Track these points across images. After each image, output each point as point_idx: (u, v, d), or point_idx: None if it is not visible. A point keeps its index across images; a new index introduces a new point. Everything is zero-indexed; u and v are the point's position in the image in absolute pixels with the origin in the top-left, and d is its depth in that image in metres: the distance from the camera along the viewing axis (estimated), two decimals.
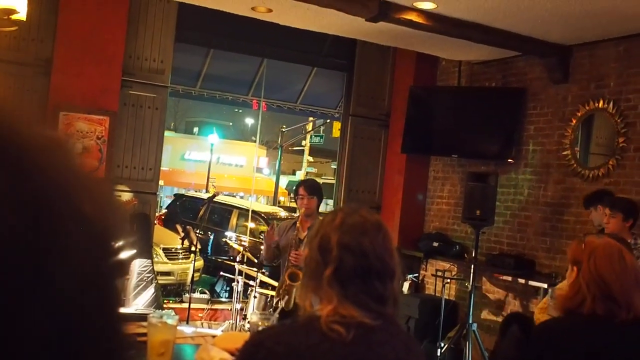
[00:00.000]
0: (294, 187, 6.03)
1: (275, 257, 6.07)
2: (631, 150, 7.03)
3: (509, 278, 7.94)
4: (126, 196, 8.07)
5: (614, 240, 2.84)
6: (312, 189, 5.80)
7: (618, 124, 7.14)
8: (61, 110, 7.76)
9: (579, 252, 2.75)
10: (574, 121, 7.66)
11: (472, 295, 7.48)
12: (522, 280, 7.68)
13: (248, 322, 7.01)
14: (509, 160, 8.34)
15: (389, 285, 1.85)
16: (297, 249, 5.70)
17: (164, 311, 3.02)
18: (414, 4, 6.72)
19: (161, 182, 9.08)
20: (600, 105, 7.37)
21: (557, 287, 4.69)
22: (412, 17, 6.88)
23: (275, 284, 7.36)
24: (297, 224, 5.85)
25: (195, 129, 37.66)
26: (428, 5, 6.71)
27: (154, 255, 9.08)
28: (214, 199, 10.26)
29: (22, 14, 5.35)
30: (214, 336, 3.58)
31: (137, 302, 8.05)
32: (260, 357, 1.74)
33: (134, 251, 8.12)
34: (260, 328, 2.90)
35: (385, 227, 1.93)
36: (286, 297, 5.66)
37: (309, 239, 1.97)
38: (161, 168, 8.81)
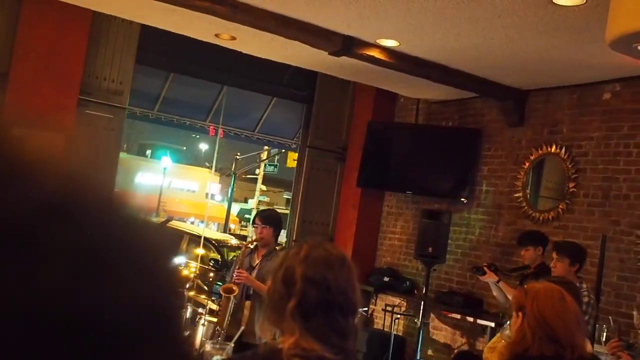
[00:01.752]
0: (252, 216, 6.07)
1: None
2: (581, 196, 7.18)
3: (458, 316, 8.00)
4: None
5: (554, 284, 2.92)
6: (266, 219, 5.82)
7: (569, 170, 7.30)
8: (15, 127, 7.62)
9: (522, 298, 2.82)
10: (527, 164, 7.80)
11: (421, 331, 7.52)
12: (470, 319, 7.75)
13: (194, 350, 6.95)
14: (462, 199, 8.44)
15: (350, 320, 1.85)
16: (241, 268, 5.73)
17: None
18: (377, 41, 6.81)
19: None
20: (553, 150, 7.52)
21: (506, 325, 4.75)
22: (375, 53, 6.97)
23: None
24: (248, 249, 5.95)
25: (148, 152, 37.30)
26: (391, 43, 6.80)
27: None
28: (167, 224, 10.14)
29: None
30: None
31: None
32: None
33: None
34: (215, 359, 2.88)
35: (349, 261, 1.94)
36: (224, 316, 5.68)
37: (273, 272, 1.94)
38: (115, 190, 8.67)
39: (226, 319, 5.65)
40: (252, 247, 5.99)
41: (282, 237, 8.74)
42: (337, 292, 1.82)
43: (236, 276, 5.68)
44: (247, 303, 5.76)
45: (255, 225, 5.86)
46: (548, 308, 2.73)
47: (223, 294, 5.72)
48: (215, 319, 6.95)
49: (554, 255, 5.57)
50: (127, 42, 8.37)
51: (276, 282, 1.87)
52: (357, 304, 1.89)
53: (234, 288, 5.65)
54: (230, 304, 5.67)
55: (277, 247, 6.04)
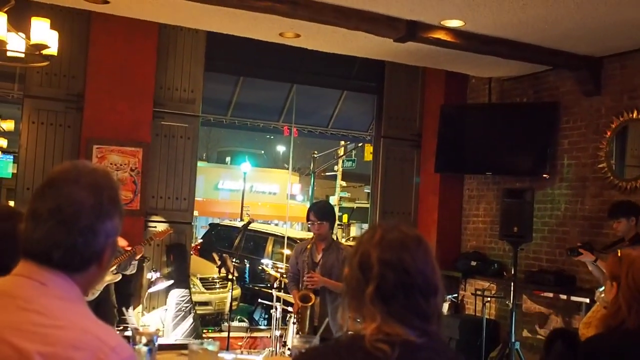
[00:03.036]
0: (307, 212, 5.99)
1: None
2: None
3: (550, 294, 7.83)
4: (161, 226, 8.12)
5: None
6: (321, 213, 5.77)
7: None
8: (94, 144, 7.87)
9: (616, 267, 2.73)
10: (609, 133, 7.58)
11: (514, 313, 7.39)
12: (563, 296, 7.57)
13: (288, 349, 7.00)
14: (544, 175, 8.25)
15: (432, 301, 1.81)
16: (309, 271, 5.66)
17: (204, 340, 3.03)
18: (441, 23, 6.72)
19: (196, 213, 9.08)
20: (635, 116, 7.29)
21: (602, 290, 4.64)
22: (440, 35, 6.87)
23: None
24: (309, 247, 5.83)
25: (228, 159, 37.79)
26: (456, 23, 6.70)
27: (192, 286, 9.08)
28: (249, 227, 10.23)
29: (53, 49, 5.44)
30: None
31: (176, 333, 8.06)
32: None
33: (172, 281, 8.15)
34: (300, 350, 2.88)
35: (426, 241, 1.88)
36: (303, 320, 5.65)
37: (348, 258, 1.91)
38: (195, 198, 8.83)
39: (307, 326, 5.62)
40: (312, 243, 5.87)
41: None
42: (416, 273, 1.79)
43: (309, 282, 5.63)
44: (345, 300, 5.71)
45: (310, 222, 5.80)
46: (630, 274, 2.63)
47: (301, 304, 5.65)
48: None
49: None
50: (194, 50, 8.53)
51: (353, 268, 1.84)
52: (437, 285, 1.83)
53: (311, 296, 5.61)
54: (308, 312, 5.64)
55: (334, 238, 5.97)
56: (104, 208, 1.66)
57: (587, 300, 7.04)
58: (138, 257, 7.07)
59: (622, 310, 2.63)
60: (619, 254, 2.80)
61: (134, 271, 7.22)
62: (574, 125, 8.09)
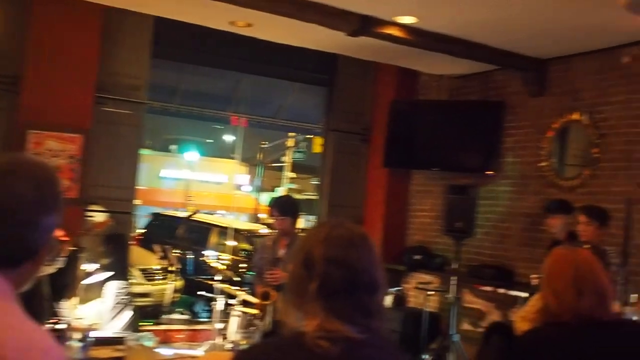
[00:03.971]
0: (269, 206, 5.93)
1: None
2: (605, 161, 7.17)
3: (490, 289, 8.02)
4: (101, 216, 7.91)
5: (565, 247, 2.94)
6: (282, 209, 5.72)
7: (592, 136, 7.29)
8: (30, 129, 7.50)
9: (543, 266, 2.86)
10: (551, 133, 7.79)
11: (454, 306, 7.54)
12: (502, 291, 7.77)
13: (230, 342, 7.00)
14: (489, 172, 8.44)
15: (375, 298, 1.83)
16: (271, 268, 5.62)
17: (141, 333, 3.03)
18: (394, 19, 6.81)
19: (138, 202, 8.95)
20: (576, 117, 7.51)
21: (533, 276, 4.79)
22: (393, 31, 6.96)
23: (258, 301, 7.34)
24: (269, 242, 5.82)
25: (173, 147, 37.33)
26: (409, 20, 6.80)
27: (131, 277, 8.86)
28: (193, 217, 10.13)
29: None
30: (194, 357, 3.57)
31: (114, 326, 7.91)
32: None
33: (110, 273, 7.98)
34: (242, 346, 2.92)
35: (371, 239, 1.90)
36: (265, 317, 5.63)
37: (292, 254, 1.92)
38: (138, 187, 8.62)
39: (269, 322, 5.58)
40: (274, 239, 5.86)
41: (311, 223, 8.72)
42: (361, 270, 1.80)
43: (270, 278, 5.58)
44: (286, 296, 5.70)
45: (273, 217, 5.75)
46: (551, 271, 2.76)
47: (261, 301, 5.62)
48: (248, 310, 7.00)
49: (584, 219, 5.58)
50: (141, 36, 8.24)
51: (297, 264, 1.84)
52: (380, 282, 1.85)
53: (272, 293, 5.56)
54: (270, 309, 5.59)
55: (297, 233, 5.88)
56: (44, 203, 1.61)
57: (525, 295, 7.22)
58: (65, 254, 6.84)
59: (546, 304, 2.76)
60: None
61: (61, 266, 6.98)
62: (518, 125, 8.29)
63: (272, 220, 5.81)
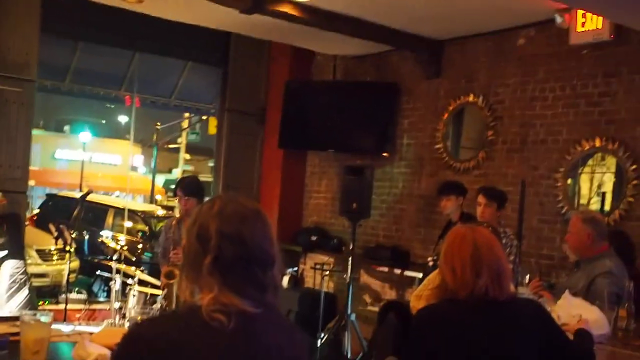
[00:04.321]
0: (174, 186, 5.89)
1: None
2: (499, 143, 7.27)
3: (386, 269, 8.08)
4: None
5: (463, 226, 2.97)
6: (188, 189, 5.70)
7: (487, 118, 7.37)
8: None
9: (443, 245, 2.89)
10: (446, 115, 7.85)
11: (350, 287, 7.54)
12: (397, 271, 7.83)
13: (128, 321, 6.84)
14: (384, 154, 8.46)
15: (269, 272, 1.83)
16: (175, 247, 5.60)
17: (37, 310, 2.92)
18: None
19: (32, 182, 8.71)
20: (471, 99, 7.58)
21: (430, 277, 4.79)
22: (287, 9, 6.86)
23: (155, 281, 7.23)
24: (174, 222, 5.78)
25: (66, 127, 36.40)
26: None
27: (27, 257, 8.68)
28: (89, 198, 9.94)
29: None
30: (91, 333, 3.47)
31: (10, 305, 7.71)
32: (139, 349, 1.69)
33: (5, 252, 7.75)
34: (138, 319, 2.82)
35: (264, 214, 1.90)
36: (169, 296, 5.58)
37: (187, 229, 1.89)
38: (31, 167, 8.43)
39: (174, 302, 5.49)
40: (179, 220, 5.82)
41: None
42: (253, 245, 1.80)
43: (174, 257, 5.59)
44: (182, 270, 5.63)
45: (177, 197, 5.74)
46: (450, 249, 2.79)
47: (165, 280, 5.59)
48: (145, 289, 6.87)
49: (483, 200, 5.63)
50: (28, 9, 7.93)
51: (191, 239, 1.84)
52: (274, 257, 1.86)
53: (176, 272, 5.49)
54: (174, 288, 5.50)
55: None
56: None
57: (420, 275, 7.27)
58: None
59: (444, 281, 2.78)
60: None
61: None
62: (414, 106, 8.32)
63: (177, 201, 5.84)
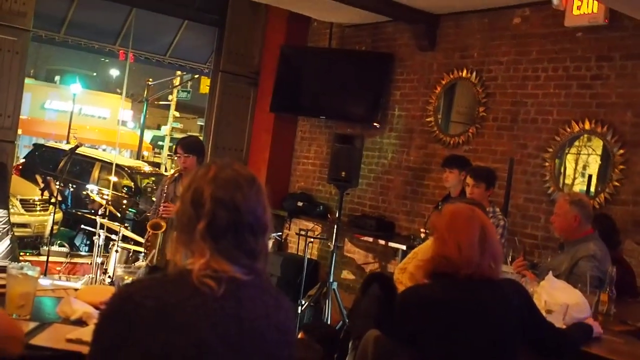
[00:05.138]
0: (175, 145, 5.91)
1: None
2: (490, 120, 7.31)
3: (370, 239, 8.14)
4: None
5: (465, 204, 3.00)
6: (188, 147, 5.71)
7: (479, 94, 7.40)
8: None
9: (435, 220, 2.91)
10: (438, 89, 7.87)
11: (334, 254, 7.61)
12: (382, 242, 7.89)
13: (109, 277, 6.90)
14: (375, 124, 8.49)
15: (260, 240, 1.85)
16: (167, 201, 5.64)
17: (23, 263, 2.92)
18: None
19: (20, 131, 8.68)
20: (464, 74, 7.60)
21: (416, 250, 4.84)
22: None
23: (138, 238, 7.26)
24: (169, 179, 5.81)
25: (57, 78, 36.12)
26: None
27: (10, 207, 8.66)
28: (76, 151, 9.89)
29: None
30: (75, 289, 3.49)
31: None
32: (128, 310, 1.69)
33: None
34: (125, 281, 2.84)
35: (259, 181, 1.91)
36: (152, 250, 5.60)
37: (181, 193, 1.91)
38: (20, 116, 8.39)
39: (155, 254, 5.57)
40: (176, 176, 5.86)
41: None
42: (247, 212, 1.81)
43: (164, 210, 5.61)
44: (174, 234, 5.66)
45: (177, 155, 5.75)
46: (455, 228, 2.81)
47: (151, 230, 5.62)
48: (128, 246, 6.91)
49: (471, 181, 5.63)
50: None
51: (185, 203, 1.84)
52: (267, 224, 1.87)
53: (162, 224, 5.58)
54: (158, 240, 5.60)
55: None
56: None
57: (404, 247, 7.36)
58: None
59: (437, 257, 2.81)
60: (440, 210, 2.97)
61: None
62: (407, 78, 8.34)
63: (177, 158, 5.79)
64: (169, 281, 1.80)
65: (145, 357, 1.66)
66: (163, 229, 5.57)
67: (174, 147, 5.89)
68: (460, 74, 7.64)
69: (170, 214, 5.56)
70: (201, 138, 9.77)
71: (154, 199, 6.38)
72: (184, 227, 1.84)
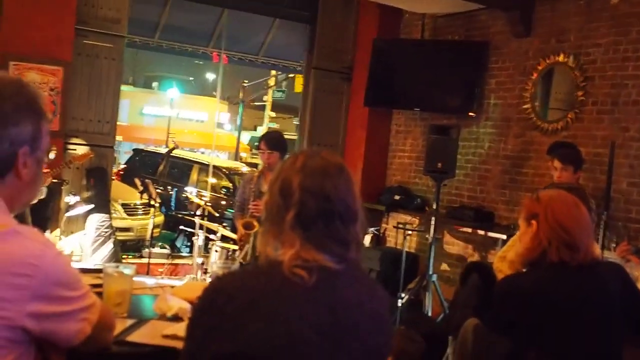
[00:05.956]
0: (257, 141, 5.94)
1: None
2: (589, 104, 7.10)
3: (469, 230, 8.03)
4: (82, 149, 7.93)
5: (566, 191, 2.95)
6: (272, 143, 5.72)
7: (577, 78, 7.20)
8: (11, 60, 7.52)
9: (534, 207, 2.84)
10: (535, 75, 7.70)
11: (433, 247, 7.56)
12: (481, 232, 7.78)
13: (210, 277, 7.03)
14: (471, 113, 8.37)
15: (351, 228, 1.82)
16: (255, 199, 5.66)
17: (120, 263, 3.00)
18: None
19: (119, 137, 8.96)
20: (561, 59, 7.41)
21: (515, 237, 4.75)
22: None
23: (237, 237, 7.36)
24: (256, 175, 5.84)
25: (155, 84, 37.04)
26: None
27: (113, 211, 8.93)
28: (174, 154, 10.17)
29: None
30: (172, 287, 3.55)
31: (95, 258, 7.97)
32: (220, 302, 1.69)
33: (91, 206, 8.00)
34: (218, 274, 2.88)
35: (347, 169, 1.89)
36: (244, 248, 5.65)
37: (269, 184, 1.91)
38: (119, 123, 8.64)
39: (249, 253, 5.62)
40: (259, 174, 5.91)
41: None
42: (336, 200, 1.79)
43: (254, 209, 5.63)
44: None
45: (261, 151, 5.77)
46: (564, 214, 2.75)
47: (244, 231, 5.65)
48: (227, 245, 7.02)
49: (559, 165, 5.51)
50: None
51: (273, 193, 1.84)
52: (357, 212, 1.85)
53: (254, 223, 5.58)
54: (251, 239, 5.63)
55: None
56: (6, 115, 1.64)
57: (504, 237, 7.23)
58: (46, 184, 6.85)
59: (542, 244, 2.75)
60: (536, 195, 2.91)
61: (42, 196, 7.01)
62: (502, 66, 8.19)
63: (260, 154, 5.80)
64: (260, 272, 1.81)
65: (236, 348, 1.66)
66: (256, 229, 5.57)
67: (258, 141, 5.85)
68: (557, 58, 7.44)
69: (260, 211, 5.60)
70: (296, 137, 9.86)
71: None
72: (273, 218, 1.83)
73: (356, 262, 1.86)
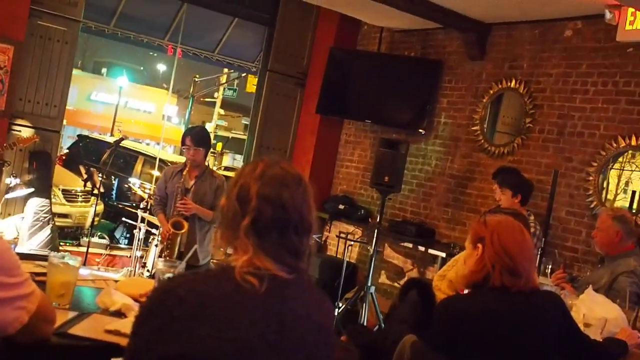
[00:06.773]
0: (182, 136, 5.68)
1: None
2: (536, 132, 7.26)
3: (410, 245, 8.14)
4: (27, 132, 7.80)
5: (512, 217, 3.01)
6: (199, 140, 5.60)
7: (527, 105, 7.36)
8: None
9: (482, 230, 2.89)
10: (486, 98, 7.84)
11: (373, 259, 7.62)
12: (422, 248, 7.89)
13: (147, 270, 6.96)
14: (420, 130, 8.48)
15: (305, 239, 1.84)
16: (183, 197, 5.53)
17: (64, 253, 2.95)
18: None
19: (65, 122, 8.78)
20: (512, 84, 7.56)
21: (456, 257, 4.84)
22: None
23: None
24: (184, 172, 5.66)
25: (104, 70, 36.50)
26: None
27: (53, 196, 8.78)
28: (120, 144, 10.01)
29: None
30: (115, 281, 3.52)
31: (32, 242, 7.83)
32: (170, 304, 1.68)
33: (32, 189, 7.86)
34: (167, 276, 2.86)
35: (306, 181, 1.90)
36: (170, 246, 5.53)
37: (227, 189, 1.91)
38: (66, 107, 8.50)
39: (175, 253, 5.45)
40: (180, 168, 5.74)
41: (240, 163, 8.59)
42: (292, 211, 1.80)
43: (183, 208, 5.50)
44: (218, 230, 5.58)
45: (186, 147, 5.59)
46: (509, 240, 2.81)
47: (172, 230, 5.48)
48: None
49: (497, 188, 5.66)
50: None
51: (231, 199, 1.84)
52: (312, 224, 1.86)
53: (184, 223, 5.48)
54: (178, 239, 5.49)
55: (208, 166, 5.86)
56: None
57: (444, 255, 7.36)
58: None
59: (486, 268, 2.80)
60: (484, 219, 2.97)
61: None
62: (455, 86, 8.32)
63: (185, 150, 5.64)
64: (212, 276, 1.79)
65: (183, 350, 1.64)
66: (185, 229, 5.47)
67: (182, 137, 5.65)
68: (509, 84, 7.60)
69: (189, 210, 5.49)
70: (245, 137, 9.82)
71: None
72: (228, 223, 1.84)
73: (306, 273, 1.87)
